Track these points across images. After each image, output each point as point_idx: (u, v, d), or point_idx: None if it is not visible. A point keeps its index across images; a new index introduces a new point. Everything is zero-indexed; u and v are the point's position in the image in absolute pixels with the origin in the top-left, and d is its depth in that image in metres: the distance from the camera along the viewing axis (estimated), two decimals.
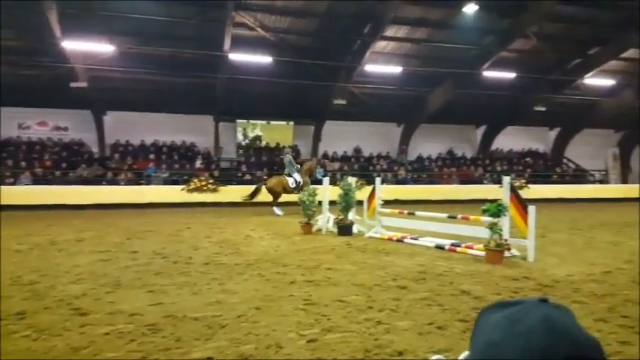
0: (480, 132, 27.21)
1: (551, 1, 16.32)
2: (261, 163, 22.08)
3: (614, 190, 24.79)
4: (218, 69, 18.58)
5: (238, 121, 23.87)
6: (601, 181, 26.67)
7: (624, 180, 27.90)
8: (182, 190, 18.63)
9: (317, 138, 24.29)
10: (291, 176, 14.45)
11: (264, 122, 24.24)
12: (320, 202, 10.76)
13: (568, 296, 5.21)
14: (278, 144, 23.72)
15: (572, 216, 15.14)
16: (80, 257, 7.36)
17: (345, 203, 10.17)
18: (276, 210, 14.45)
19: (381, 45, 19.23)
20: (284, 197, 14.74)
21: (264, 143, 23.93)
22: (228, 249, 8.23)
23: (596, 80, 21.92)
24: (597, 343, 0.69)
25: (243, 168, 21.51)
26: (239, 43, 17.68)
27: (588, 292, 5.36)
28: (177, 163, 20.92)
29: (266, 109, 22.59)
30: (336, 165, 23.32)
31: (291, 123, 24.49)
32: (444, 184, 22.68)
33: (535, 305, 0.72)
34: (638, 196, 23.47)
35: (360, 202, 10.62)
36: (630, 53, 20.32)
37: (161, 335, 3.87)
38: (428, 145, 25.68)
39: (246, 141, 23.86)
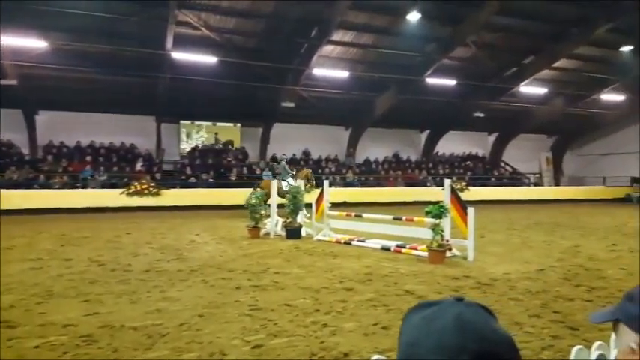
0: (423, 136, 28.07)
1: (488, 12, 17.12)
2: (208, 165, 21.59)
3: (547, 192, 26.33)
4: (160, 68, 18.00)
5: (182, 122, 23.25)
6: (535, 184, 28.25)
7: (556, 183, 29.71)
8: (121, 193, 17.87)
9: (265, 140, 24.09)
10: (285, 181, 14.58)
11: (209, 124, 23.78)
12: (268, 205, 10.67)
13: (505, 294, 5.45)
14: (225, 144, 23.31)
15: (509, 217, 15.91)
16: (9, 266, 6.86)
17: (294, 206, 10.15)
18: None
19: (328, 49, 19.39)
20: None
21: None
22: (171, 255, 7.96)
23: (531, 88, 23.18)
24: (508, 339, 0.70)
25: (188, 171, 20.95)
26: (182, 42, 17.23)
27: (523, 290, 5.63)
28: (116, 166, 20.04)
29: (212, 110, 22.14)
30: None
31: (238, 125, 24.17)
32: (391, 187, 23.18)
33: (450, 305, 0.74)
34: (582, 197, 25.11)
35: (309, 205, 10.64)
36: (561, 63, 21.69)
37: (97, 346, 3.68)
38: (375, 148, 26.17)
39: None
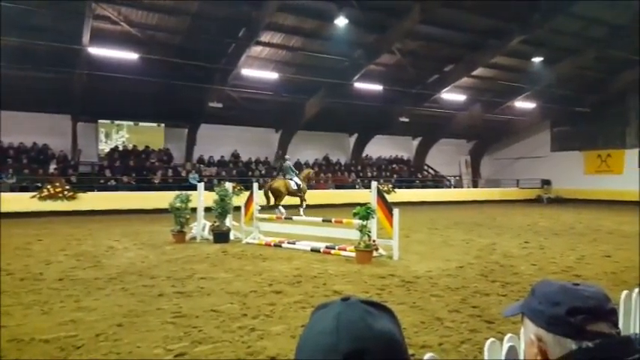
0: (352, 140, 28.66)
1: (412, 21, 17.83)
2: (128, 167, 20.51)
3: (467, 193, 27.89)
4: (76, 64, 16.84)
5: (100, 121, 21.94)
6: (455, 186, 29.84)
7: (475, 185, 31.56)
8: (33, 197, 16.52)
9: (191, 141, 23.33)
10: (292, 180, 15.39)
11: (131, 123, 22.65)
12: (194, 209, 10.33)
13: (427, 290, 5.67)
14: (147, 147, 22.32)
15: (432, 217, 16.65)
16: None
17: (222, 209, 9.91)
18: (280, 211, 14.57)
19: (256, 50, 19.20)
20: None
21: (130, 146, 22.27)
22: (87, 262, 7.47)
23: (451, 95, 24.44)
24: (387, 336, 0.71)
25: (108, 173, 19.80)
26: (101, 38, 16.26)
27: (444, 286, 5.89)
28: (27, 168, 18.50)
29: (133, 109, 21.08)
30: (213, 170, 22.69)
31: (162, 125, 23.25)
32: (321, 189, 23.41)
33: (335, 306, 0.75)
34: (498, 198, 26.78)
35: (238, 208, 10.46)
36: (479, 72, 23.06)
37: None
38: (305, 151, 26.31)
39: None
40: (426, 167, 30.19)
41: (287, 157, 19.46)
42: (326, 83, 21.01)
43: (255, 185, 10.36)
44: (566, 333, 0.97)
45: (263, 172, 23.45)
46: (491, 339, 1.54)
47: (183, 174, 21.10)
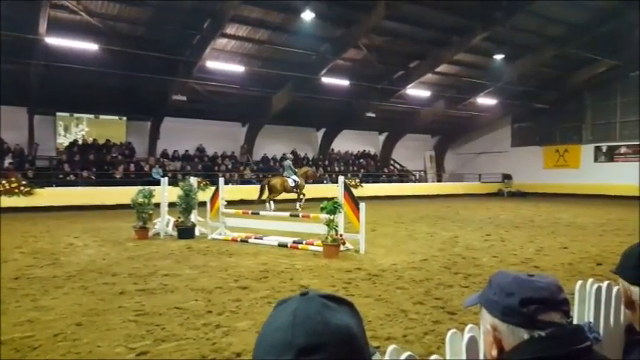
0: (320, 134, 28.67)
1: (378, 16, 17.92)
2: (88, 161, 19.83)
3: (431, 187, 28.40)
4: (33, 54, 16.12)
5: (59, 114, 21.11)
6: (420, 180, 30.36)
7: (439, 179, 32.19)
8: None
9: (154, 135, 22.76)
10: (290, 178, 16.52)
11: (91, 116, 21.90)
12: (157, 205, 10.10)
13: (392, 283, 5.75)
14: (108, 141, 21.66)
15: (398, 211, 16.89)
16: None
17: (186, 205, 9.74)
18: (270, 205, 15.83)
19: (222, 42, 18.87)
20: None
21: (90, 139, 21.53)
22: (45, 260, 7.20)
23: (416, 91, 24.75)
24: (343, 330, 0.71)
25: (66, 168, 19.10)
26: (59, 27, 15.61)
27: (409, 279, 5.99)
28: None
29: (93, 101, 20.37)
30: (178, 165, 22.25)
31: (124, 118, 22.60)
32: None
33: (293, 302, 0.75)
34: (462, 192, 27.39)
35: (203, 204, 10.30)
36: (443, 68, 23.44)
37: None
38: (273, 145, 26.14)
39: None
40: (392, 162, 30.56)
41: (289, 155, 20.90)
42: (293, 77, 20.90)
43: (221, 180, 10.21)
44: (519, 323, 1.00)
45: (229, 166, 23.17)
46: (453, 330, 1.57)
47: (146, 168, 20.59)
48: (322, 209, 7.78)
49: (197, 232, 9.93)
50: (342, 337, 0.70)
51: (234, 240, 9.27)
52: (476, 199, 25.33)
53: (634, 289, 1.34)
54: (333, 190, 8.87)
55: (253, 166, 24.07)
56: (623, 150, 25.75)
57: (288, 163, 17.47)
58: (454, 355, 1.53)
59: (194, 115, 22.79)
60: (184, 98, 20.28)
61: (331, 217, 7.63)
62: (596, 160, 26.81)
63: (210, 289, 5.44)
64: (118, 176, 19.36)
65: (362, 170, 27.15)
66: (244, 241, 9.13)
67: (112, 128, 22.34)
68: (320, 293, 0.76)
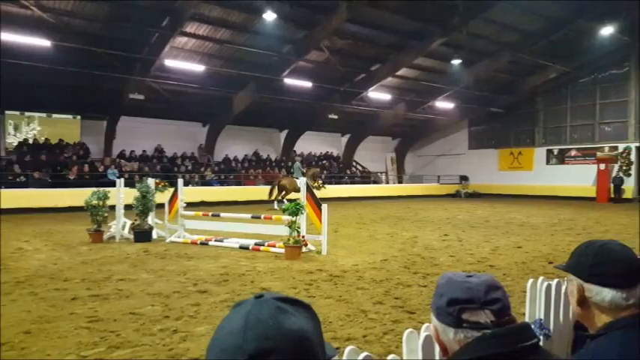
0: (283, 135, 28.56)
1: (340, 19, 18.04)
2: (40, 162, 18.97)
3: (392, 189, 28.83)
4: None
5: (8, 112, 20.12)
6: (375, 182, 30.74)
7: (400, 180, 32.72)
8: None
9: (110, 135, 22.00)
10: (299, 179, 16.41)
11: (43, 115, 20.99)
12: (113, 207, 9.77)
13: (353, 284, 5.78)
14: (61, 140, 20.82)
15: (360, 212, 17.05)
16: None
17: (143, 207, 9.46)
18: (277, 205, 16.20)
19: (181, 41, 18.50)
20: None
21: (42, 139, 20.62)
22: None
23: (377, 94, 25.09)
24: (296, 334, 0.70)
25: (16, 168, 18.20)
26: (8, 22, 14.86)
27: (369, 279, 6.04)
28: None
29: (45, 99, 19.51)
30: (135, 165, 21.60)
31: (78, 117, 21.77)
32: (251, 185, 23.11)
33: (247, 305, 0.73)
34: (421, 193, 27.90)
35: (161, 206, 10.04)
36: (403, 72, 23.87)
37: None
38: (235, 146, 25.83)
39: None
40: (354, 163, 30.82)
41: (298, 157, 21.29)
42: (255, 78, 20.72)
43: (181, 181, 9.99)
44: (448, 322, 1.04)
45: (190, 167, 22.73)
46: (410, 329, 1.59)
47: (101, 169, 19.90)
48: (284, 211, 7.76)
49: (155, 235, 9.68)
50: (295, 341, 0.69)
51: (193, 243, 9.10)
52: (435, 200, 25.91)
53: (589, 286, 1.36)
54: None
55: (214, 167, 23.70)
56: (573, 153, 26.96)
57: (297, 165, 17.93)
58: (411, 354, 1.55)
59: (152, 114, 22.25)
60: (142, 97, 19.74)
61: (293, 219, 7.61)
62: (548, 162, 27.95)
63: (167, 293, 5.30)
64: (71, 177, 18.62)
65: (325, 172, 27.24)
66: (204, 243, 8.96)
67: (65, 127, 21.51)
68: (276, 296, 0.75)
